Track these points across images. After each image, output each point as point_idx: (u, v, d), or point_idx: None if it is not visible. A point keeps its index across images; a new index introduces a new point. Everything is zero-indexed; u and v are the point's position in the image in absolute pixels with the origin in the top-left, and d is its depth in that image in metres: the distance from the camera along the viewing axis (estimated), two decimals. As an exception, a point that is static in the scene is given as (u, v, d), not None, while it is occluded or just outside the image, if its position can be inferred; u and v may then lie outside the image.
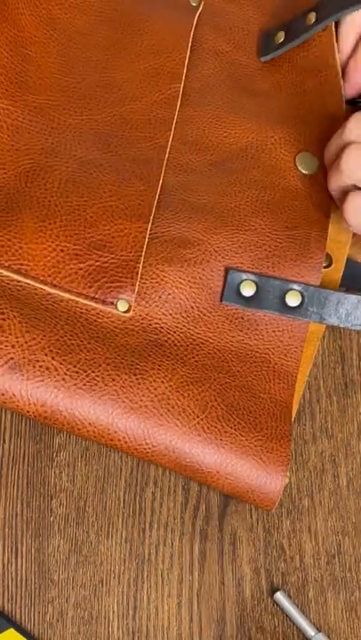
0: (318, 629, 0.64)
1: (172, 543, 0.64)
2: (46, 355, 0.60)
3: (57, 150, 0.64)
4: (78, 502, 0.65)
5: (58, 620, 0.62)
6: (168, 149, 0.66)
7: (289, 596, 0.64)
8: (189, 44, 0.70)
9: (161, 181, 0.65)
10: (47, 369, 0.60)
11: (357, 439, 0.68)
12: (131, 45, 0.69)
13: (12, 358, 0.59)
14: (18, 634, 0.61)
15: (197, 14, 0.71)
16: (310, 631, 0.62)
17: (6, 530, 0.64)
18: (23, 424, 0.66)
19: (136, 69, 0.69)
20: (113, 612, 0.63)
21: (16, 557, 0.63)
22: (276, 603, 0.64)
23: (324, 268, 0.67)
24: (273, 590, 0.64)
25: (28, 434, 0.66)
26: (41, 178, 0.63)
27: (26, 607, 0.62)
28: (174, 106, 0.68)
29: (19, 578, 0.63)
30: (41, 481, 0.65)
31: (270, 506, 0.62)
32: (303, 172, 0.67)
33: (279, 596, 0.63)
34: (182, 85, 0.69)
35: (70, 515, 0.64)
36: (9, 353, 0.59)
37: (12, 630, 0.61)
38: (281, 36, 0.71)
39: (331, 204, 0.67)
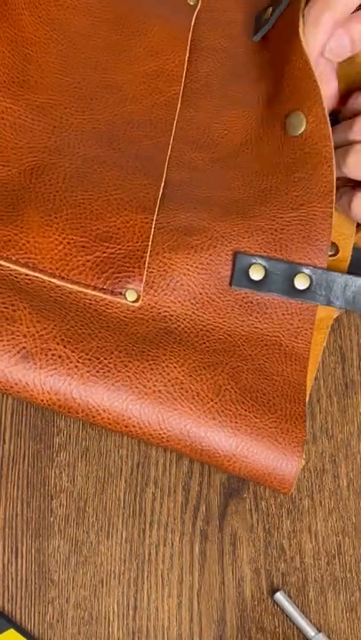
0: (318, 630, 0.63)
1: (173, 543, 0.64)
2: (58, 343, 0.60)
3: (60, 148, 0.65)
4: (78, 503, 0.65)
5: (58, 621, 0.62)
6: (170, 148, 0.67)
7: (289, 597, 0.64)
8: (188, 46, 0.70)
9: (165, 176, 0.65)
10: (59, 357, 0.60)
11: (358, 439, 0.68)
12: (130, 47, 0.69)
13: (24, 347, 0.60)
14: (18, 634, 0.61)
15: (195, 14, 0.71)
16: (310, 631, 0.62)
17: (6, 530, 0.64)
18: (23, 424, 0.66)
19: (136, 71, 0.69)
20: (113, 612, 0.63)
21: (16, 558, 0.63)
22: (276, 603, 0.64)
23: (331, 256, 0.67)
24: (273, 590, 0.64)
25: (28, 434, 0.66)
26: (45, 174, 0.63)
27: (26, 607, 0.62)
28: (174, 107, 0.68)
29: (19, 578, 0.63)
30: (41, 481, 0.65)
31: (288, 488, 0.61)
32: (294, 134, 0.66)
33: (279, 596, 0.63)
34: (182, 87, 0.69)
35: (70, 515, 0.64)
36: (20, 343, 0.60)
37: (12, 630, 0.61)
38: (269, 12, 0.71)
39: (332, 165, 0.66)
